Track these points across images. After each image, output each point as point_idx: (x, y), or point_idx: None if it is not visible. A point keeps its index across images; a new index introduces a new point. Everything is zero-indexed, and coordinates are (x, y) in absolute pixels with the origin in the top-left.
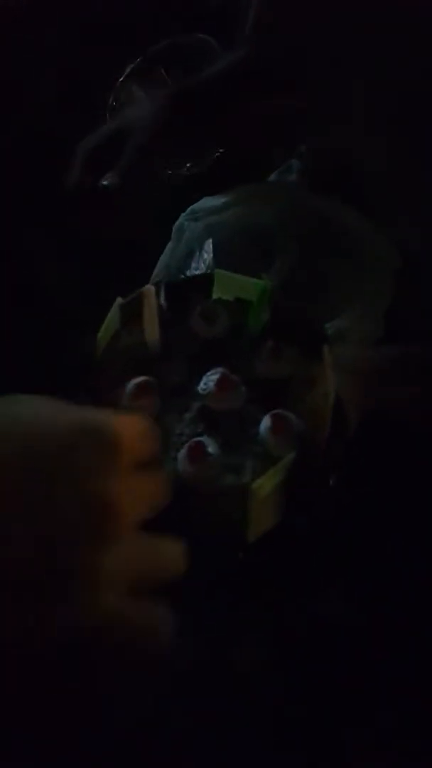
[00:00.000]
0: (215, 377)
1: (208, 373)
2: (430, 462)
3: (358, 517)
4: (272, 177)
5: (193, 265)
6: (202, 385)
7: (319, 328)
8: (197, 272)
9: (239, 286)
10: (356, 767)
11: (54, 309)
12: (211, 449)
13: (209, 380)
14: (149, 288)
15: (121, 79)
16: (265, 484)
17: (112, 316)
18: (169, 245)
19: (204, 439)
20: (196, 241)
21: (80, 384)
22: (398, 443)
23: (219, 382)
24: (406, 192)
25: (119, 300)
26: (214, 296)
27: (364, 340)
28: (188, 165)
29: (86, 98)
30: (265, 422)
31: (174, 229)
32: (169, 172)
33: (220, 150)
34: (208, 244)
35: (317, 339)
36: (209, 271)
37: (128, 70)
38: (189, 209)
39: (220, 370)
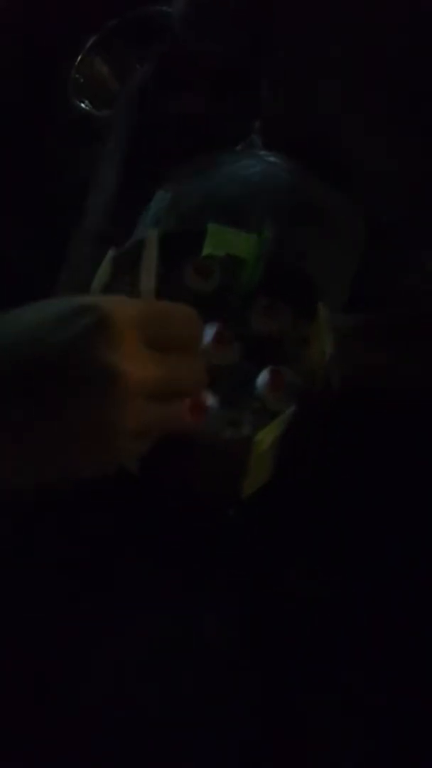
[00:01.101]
0: (211, 332)
1: (204, 328)
2: (404, 425)
3: (337, 482)
4: (238, 148)
5: None
6: None
7: (313, 285)
8: None
9: (232, 242)
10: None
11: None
12: (210, 403)
13: (206, 335)
14: (152, 236)
15: (83, 52)
16: (267, 437)
17: (104, 268)
18: None
19: (203, 395)
20: (163, 212)
21: None
22: (372, 408)
23: (216, 337)
24: (372, 163)
25: (112, 252)
26: (205, 252)
27: (334, 306)
28: None
29: (49, 72)
30: (263, 377)
31: None
32: None
33: None
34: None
35: (311, 296)
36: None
37: (90, 43)
38: None
39: (216, 324)
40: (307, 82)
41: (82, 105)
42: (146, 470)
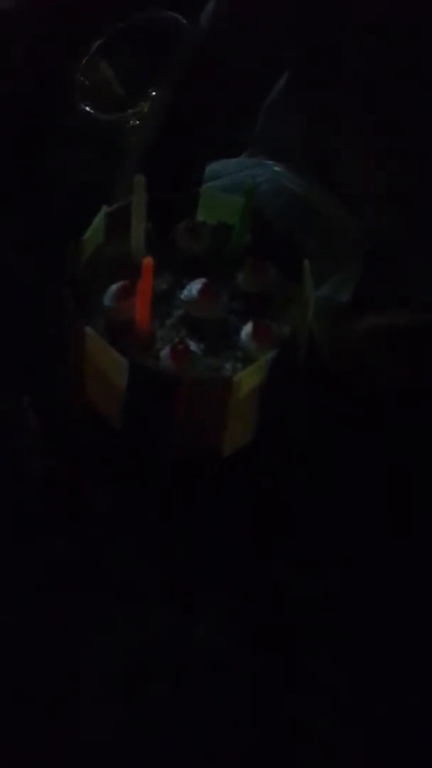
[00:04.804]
0: (198, 286)
1: (191, 282)
2: (399, 421)
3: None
4: (242, 156)
5: None
6: (185, 292)
7: (298, 245)
8: None
9: (224, 207)
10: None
11: None
12: (192, 348)
13: (192, 288)
14: (139, 178)
15: (89, 55)
16: (246, 379)
17: (98, 222)
18: None
19: (186, 340)
20: None
21: (65, 287)
22: (368, 402)
23: (202, 290)
24: (368, 186)
25: (105, 208)
26: (199, 218)
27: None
28: None
29: (54, 74)
30: (247, 328)
31: None
32: None
33: None
34: None
35: (297, 256)
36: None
37: (95, 46)
38: None
39: (202, 279)
40: (322, 106)
41: (86, 108)
42: (128, 422)
